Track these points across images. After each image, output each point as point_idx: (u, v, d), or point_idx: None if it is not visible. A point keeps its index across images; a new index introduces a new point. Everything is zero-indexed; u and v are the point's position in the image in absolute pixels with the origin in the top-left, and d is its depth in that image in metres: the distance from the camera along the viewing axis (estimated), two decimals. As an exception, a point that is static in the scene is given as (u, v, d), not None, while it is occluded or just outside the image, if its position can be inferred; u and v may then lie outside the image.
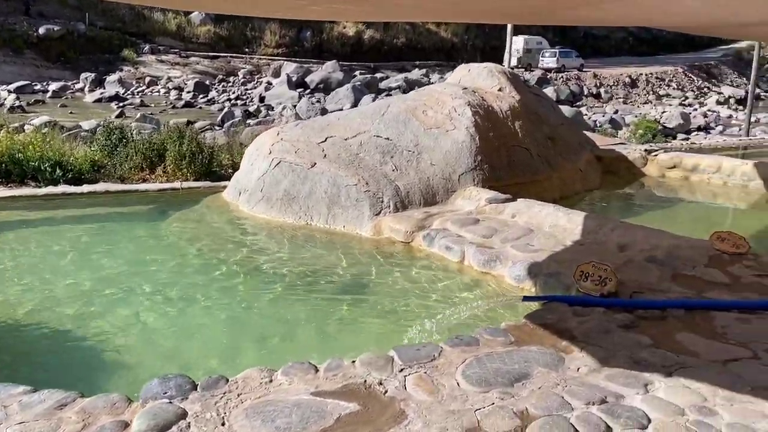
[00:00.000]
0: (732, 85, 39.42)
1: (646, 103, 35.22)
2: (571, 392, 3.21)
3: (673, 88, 37.43)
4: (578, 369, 3.49)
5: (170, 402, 3.12)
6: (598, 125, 22.04)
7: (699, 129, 23.25)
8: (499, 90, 9.01)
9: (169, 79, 32.39)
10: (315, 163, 7.85)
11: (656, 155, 10.28)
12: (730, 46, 52.02)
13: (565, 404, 3.11)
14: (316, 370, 3.43)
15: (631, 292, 4.60)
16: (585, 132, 16.69)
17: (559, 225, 6.69)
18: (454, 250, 6.44)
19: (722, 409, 3.06)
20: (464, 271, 6.28)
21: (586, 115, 27.14)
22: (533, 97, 9.66)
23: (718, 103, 33.71)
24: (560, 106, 24.73)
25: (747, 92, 38.06)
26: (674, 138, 22.39)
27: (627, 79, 37.19)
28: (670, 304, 4.30)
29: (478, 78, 9.37)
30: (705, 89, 38.08)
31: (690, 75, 39.65)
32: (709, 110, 31.05)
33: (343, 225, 7.40)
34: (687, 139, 22.69)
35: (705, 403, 3.11)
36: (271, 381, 3.33)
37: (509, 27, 15.03)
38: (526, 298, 4.56)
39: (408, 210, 7.50)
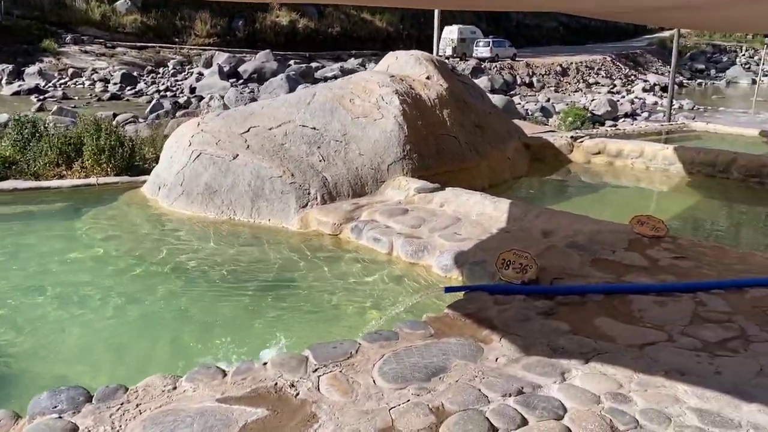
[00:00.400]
0: (657, 73, 40.92)
1: (576, 91, 36.11)
2: (488, 384, 3.14)
3: (602, 77, 38.53)
4: (497, 359, 3.42)
5: (60, 417, 2.87)
6: (530, 113, 22.42)
7: (626, 116, 24.00)
8: (427, 78, 8.93)
9: (95, 70, 31.00)
10: (237, 155, 7.56)
11: (582, 142, 10.45)
12: (654, 35, 54.06)
13: (481, 397, 3.03)
14: (224, 375, 3.23)
15: (552, 278, 4.59)
16: (516, 120, 16.92)
17: (485, 213, 6.67)
18: (382, 241, 6.33)
19: (636, 395, 3.04)
20: (393, 262, 6.18)
21: (519, 103, 27.59)
22: (461, 85, 9.63)
23: (644, 90, 34.95)
24: (494, 95, 25.07)
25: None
26: (603, 124, 23.01)
27: (558, 68, 38.04)
28: (589, 290, 4.31)
29: (405, 66, 9.26)
30: (632, 77, 39.38)
31: (618, 63, 40.92)
32: (636, 97, 32.15)
33: (269, 219, 7.18)
34: (615, 125, 23.37)
35: (620, 389, 3.09)
36: (174, 388, 3.12)
37: (436, 13, 15.03)
38: (448, 289, 4.47)
39: (336, 201, 7.34)
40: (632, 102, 29.81)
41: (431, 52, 12.89)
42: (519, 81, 36.61)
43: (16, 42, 31.93)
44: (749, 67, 45.46)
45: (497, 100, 21.09)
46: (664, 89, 36.46)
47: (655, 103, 30.05)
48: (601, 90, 35.62)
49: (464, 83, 9.81)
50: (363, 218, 6.85)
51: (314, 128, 7.99)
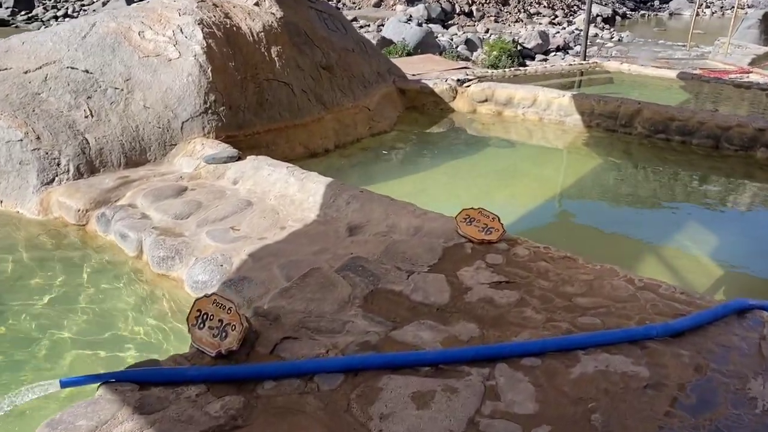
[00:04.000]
0: (600, 3, 39.05)
1: (517, 21, 34.02)
2: None
3: (544, 6, 36.44)
4: None
5: None
6: (453, 46, 20.35)
7: (558, 49, 22.25)
8: (256, 4, 6.86)
9: (-26, -9, 27.35)
10: (-32, 110, 5.51)
11: (468, 86, 8.59)
12: (601, -38, 51.66)
13: None
14: None
15: (283, 335, 2.85)
16: (428, 56, 14.92)
17: (287, 195, 4.88)
18: (130, 238, 4.51)
19: None
20: (140, 272, 4.38)
21: (455, 34, 25.45)
22: (313, 13, 7.58)
23: (586, 21, 33.06)
24: (428, 25, 22.79)
25: (614, 11, 37.81)
26: (533, 59, 21.27)
27: (498, -4, 35.65)
28: (319, 367, 2.58)
29: (231, -13, 7.14)
30: (574, 7, 37.37)
31: (561, -8, 38.70)
32: (576, 29, 30.35)
33: (1, 200, 5.23)
34: (545, 59, 21.64)
35: None
36: None
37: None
38: (65, 383, 2.57)
39: (100, 174, 5.41)
40: (572, 33, 28.06)
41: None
42: (458, 10, 34.19)
43: None
44: (694, -2, 43.95)
45: (413, 31, 18.99)
46: (606, 20, 34.85)
47: (595, 35, 28.46)
48: (542, 21, 33.62)
49: (319, 11, 7.75)
50: (122, 202, 4.97)
51: (87, 71, 5.93)
